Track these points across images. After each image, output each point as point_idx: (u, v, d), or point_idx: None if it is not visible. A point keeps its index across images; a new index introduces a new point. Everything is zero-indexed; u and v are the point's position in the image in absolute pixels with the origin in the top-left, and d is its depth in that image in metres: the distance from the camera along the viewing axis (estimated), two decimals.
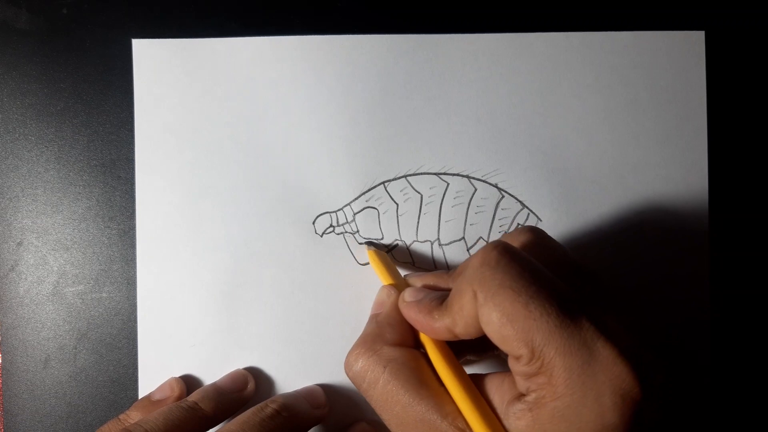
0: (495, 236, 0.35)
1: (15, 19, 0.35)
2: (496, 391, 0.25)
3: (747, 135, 0.35)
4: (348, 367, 0.28)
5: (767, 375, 0.35)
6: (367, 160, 0.35)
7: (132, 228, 0.35)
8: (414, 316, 0.28)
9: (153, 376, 0.35)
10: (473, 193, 0.35)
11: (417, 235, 0.35)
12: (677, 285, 0.34)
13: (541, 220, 0.35)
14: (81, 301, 0.35)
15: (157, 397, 0.33)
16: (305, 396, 0.33)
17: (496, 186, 0.35)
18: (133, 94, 0.35)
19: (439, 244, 0.35)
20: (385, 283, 0.31)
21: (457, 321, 0.25)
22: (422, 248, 0.35)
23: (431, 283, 0.30)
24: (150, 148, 0.35)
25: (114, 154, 0.35)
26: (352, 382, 0.28)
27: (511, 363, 0.24)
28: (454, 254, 0.35)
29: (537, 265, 0.24)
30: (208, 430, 0.31)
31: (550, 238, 0.28)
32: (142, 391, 0.35)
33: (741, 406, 0.35)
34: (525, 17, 0.35)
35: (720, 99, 0.35)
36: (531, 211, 0.35)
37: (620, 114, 0.35)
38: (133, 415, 0.32)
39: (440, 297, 0.27)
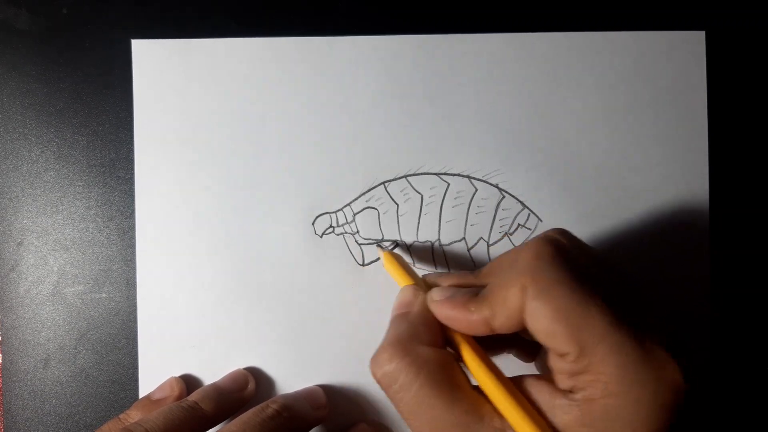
0: (495, 236, 0.35)
1: (15, 19, 0.35)
2: (534, 388, 0.24)
3: (747, 135, 0.35)
4: (377, 368, 0.26)
5: (767, 374, 0.35)
6: (367, 160, 0.35)
7: (131, 228, 0.35)
8: (448, 312, 0.26)
9: (153, 376, 0.35)
10: (474, 194, 0.35)
11: (417, 235, 0.35)
12: (678, 284, 0.34)
13: (541, 221, 0.35)
14: (81, 301, 0.35)
15: (157, 396, 0.33)
16: (306, 396, 0.33)
17: (496, 186, 0.35)
18: (132, 94, 0.35)
19: (440, 245, 0.35)
20: (405, 284, 0.30)
21: (498, 313, 0.24)
22: (423, 249, 0.35)
23: (455, 282, 0.29)
24: (149, 148, 0.35)
25: (114, 154, 0.35)
26: (380, 384, 0.26)
27: (553, 360, 0.24)
28: (455, 254, 0.35)
29: (583, 262, 0.24)
30: (208, 430, 0.31)
31: (581, 240, 0.28)
32: (143, 391, 0.35)
33: (741, 406, 0.35)
34: (525, 17, 0.35)
35: (720, 99, 0.35)
36: (531, 211, 0.35)
37: (621, 114, 0.35)
38: (133, 415, 0.32)
39: (471, 293, 0.26)
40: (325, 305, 0.35)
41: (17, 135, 0.36)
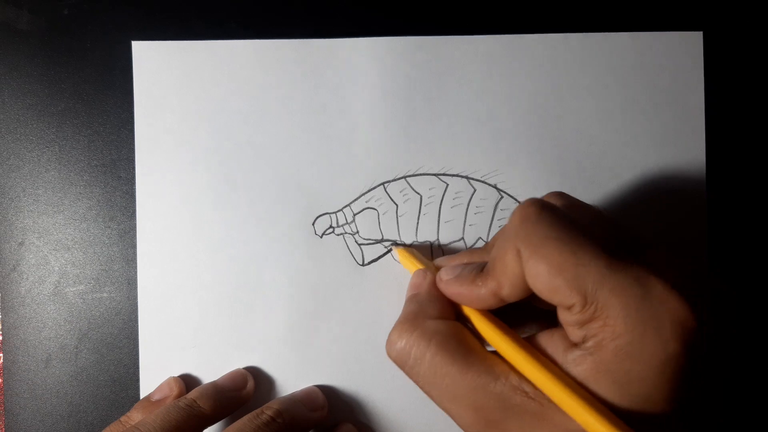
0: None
1: (16, 20, 0.36)
2: (548, 344, 0.25)
3: (745, 135, 0.35)
4: (391, 347, 0.27)
5: (767, 374, 0.35)
6: (366, 161, 0.35)
7: (132, 228, 0.35)
8: (456, 289, 0.27)
9: (154, 375, 0.35)
10: (472, 194, 0.35)
11: (416, 235, 0.35)
12: None
13: None
14: (82, 300, 0.36)
15: (156, 397, 0.33)
16: (302, 399, 0.33)
17: (495, 186, 0.35)
18: (133, 94, 0.35)
19: (439, 245, 0.35)
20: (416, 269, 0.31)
21: (503, 283, 0.25)
22: (421, 249, 0.35)
23: (463, 260, 0.29)
24: (150, 148, 0.35)
25: (114, 154, 0.36)
26: (396, 363, 0.27)
27: (562, 315, 0.24)
28: None
29: (575, 217, 0.25)
30: (206, 428, 0.31)
31: (579, 200, 0.28)
32: (144, 391, 0.35)
33: (741, 405, 0.35)
34: (524, 18, 0.35)
35: (718, 99, 0.35)
36: None
37: (619, 115, 0.35)
38: (134, 417, 0.32)
39: (477, 268, 0.27)
40: (325, 305, 0.35)
41: (18, 135, 0.36)
